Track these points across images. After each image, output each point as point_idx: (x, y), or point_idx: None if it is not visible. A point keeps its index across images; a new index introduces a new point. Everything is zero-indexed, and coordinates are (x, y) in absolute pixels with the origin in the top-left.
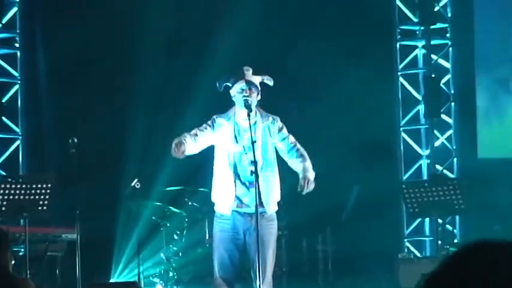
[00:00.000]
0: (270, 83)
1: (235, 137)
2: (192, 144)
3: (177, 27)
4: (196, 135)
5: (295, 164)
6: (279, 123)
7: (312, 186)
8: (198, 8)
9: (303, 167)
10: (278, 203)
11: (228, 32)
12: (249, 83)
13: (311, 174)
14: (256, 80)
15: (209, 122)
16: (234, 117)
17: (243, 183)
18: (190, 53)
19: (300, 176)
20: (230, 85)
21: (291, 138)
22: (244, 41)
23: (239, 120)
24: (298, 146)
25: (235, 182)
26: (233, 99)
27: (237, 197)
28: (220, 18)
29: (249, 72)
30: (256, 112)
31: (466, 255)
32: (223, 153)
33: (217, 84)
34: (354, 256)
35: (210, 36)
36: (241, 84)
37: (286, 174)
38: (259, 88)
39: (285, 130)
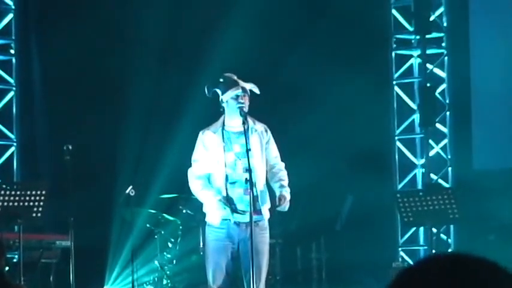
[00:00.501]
0: (257, 90)
1: (226, 146)
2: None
3: (171, 36)
4: (206, 178)
5: (274, 181)
6: (269, 134)
7: (287, 205)
8: (192, 18)
9: (280, 185)
10: (270, 210)
11: (222, 42)
12: (244, 90)
13: (287, 194)
14: (247, 86)
15: (199, 144)
16: (223, 126)
17: (237, 191)
18: (183, 62)
19: (277, 193)
20: (220, 91)
21: (276, 152)
22: (238, 50)
23: (230, 128)
24: (279, 162)
25: (227, 190)
26: (223, 105)
27: (231, 205)
28: (215, 28)
29: (234, 78)
30: (247, 119)
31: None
32: (216, 164)
33: (206, 90)
34: (348, 265)
35: (204, 46)
36: (236, 91)
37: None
38: (249, 95)
39: (272, 142)
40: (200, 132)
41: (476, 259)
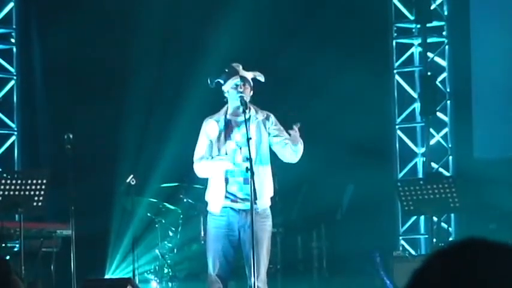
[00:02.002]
0: (262, 79)
1: (228, 135)
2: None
3: (172, 25)
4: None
5: (289, 147)
6: (273, 119)
7: (298, 137)
8: (192, 6)
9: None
10: (272, 198)
11: (222, 31)
12: (243, 79)
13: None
14: (249, 75)
15: (202, 133)
16: (225, 115)
17: (237, 179)
18: (184, 50)
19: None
20: (222, 81)
21: (285, 134)
22: (238, 39)
23: (231, 117)
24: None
25: (228, 179)
26: (225, 95)
27: (231, 194)
28: (215, 16)
29: (240, 68)
30: (250, 108)
31: (453, 252)
32: (216, 152)
33: (209, 81)
34: (348, 254)
35: (205, 35)
36: (235, 80)
37: (281, 171)
38: (252, 84)
39: (279, 125)
40: (204, 121)
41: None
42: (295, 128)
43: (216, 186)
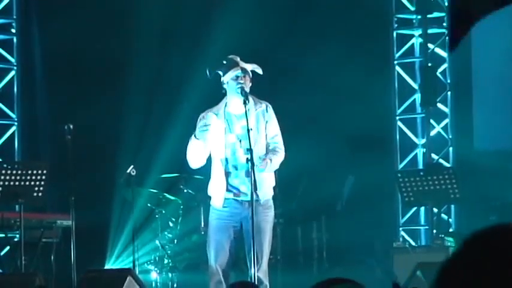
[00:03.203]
0: (260, 71)
1: (228, 127)
2: (203, 151)
3: (172, 17)
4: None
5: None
6: (271, 111)
7: (265, 167)
8: (191, 1)
9: (270, 150)
10: (274, 188)
11: (223, 22)
12: (244, 70)
13: (274, 160)
14: (248, 67)
15: (199, 122)
16: (225, 107)
17: (239, 173)
18: (184, 42)
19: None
20: (221, 73)
21: (275, 131)
22: (238, 31)
23: (231, 109)
24: (279, 141)
25: (230, 173)
26: (225, 86)
27: (234, 187)
28: (215, 8)
29: (239, 60)
30: (249, 99)
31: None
32: (217, 146)
33: (207, 72)
34: (348, 245)
35: (204, 27)
36: (236, 71)
37: (281, 162)
38: (251, 76)
39: (274, 119)
40: (202, 114)
41: None
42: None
43: (218, 180)
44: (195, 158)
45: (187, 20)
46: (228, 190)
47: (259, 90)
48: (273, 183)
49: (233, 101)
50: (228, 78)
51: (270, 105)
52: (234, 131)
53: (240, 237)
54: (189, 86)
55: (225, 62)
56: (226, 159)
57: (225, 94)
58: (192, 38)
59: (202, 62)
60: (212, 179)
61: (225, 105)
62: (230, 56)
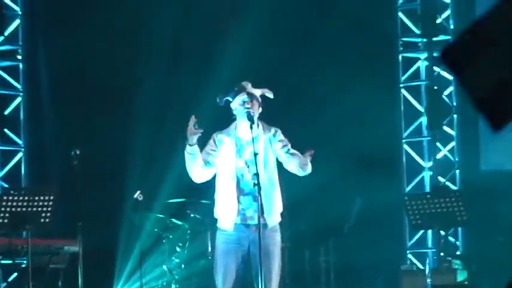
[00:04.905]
0: (270, 95)
1: (238, 151)
2: (206, 170)
3: (180, 38)
4: (208, 162)
5: (295, 162)
6: (281, 135)
7: (308, 162)
8: (201, 19)
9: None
10: (281, 214)
11: (232, 43)
12: (251, 95)
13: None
14: (257, 92)
15: (211, 142)
16: (235, 131)
17: (247, 197)
18: (193, 64)
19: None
20: (231, 99)
21: (291, 149)
22: (246, 53)
23: (240, 134)
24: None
25: (238, 197)
26: (234, 112)
27: (241, 212)
28: (224, 29)
29: (248, 85)
30: (258, 124)
31: None
32: (226, 169)
33: (218, 99)
34: (356, 268)
35: (213, 48)
36: (242, 97)
37: (288, 185)
38: (260, 100)
39: (286, 141)
40: (214, 134)
41: None
42: (309, 153)
43: (226, 203)
44: (192, 168)
45: (196, 40)
46: (237, 213)
47: (268, 112)
48: (281, 209)
49: (242, 126)
50: (235, 104)
51: (279, 130)
52: (243, 156)
53: (248, 260)
54: (198, 108)
55: (236, 89)
56: (236, 183)
57: (235, 119)
58: (200, 59)
59: (212, 86)
60: (219, 202)
61: (235, 129)
62: (242, 83)
